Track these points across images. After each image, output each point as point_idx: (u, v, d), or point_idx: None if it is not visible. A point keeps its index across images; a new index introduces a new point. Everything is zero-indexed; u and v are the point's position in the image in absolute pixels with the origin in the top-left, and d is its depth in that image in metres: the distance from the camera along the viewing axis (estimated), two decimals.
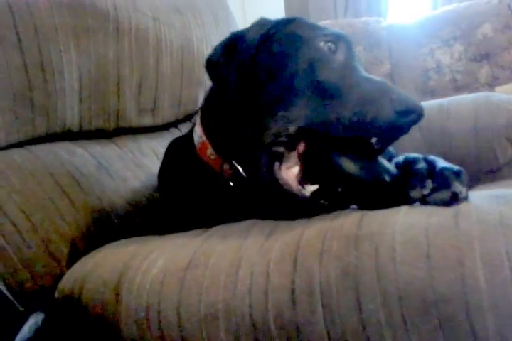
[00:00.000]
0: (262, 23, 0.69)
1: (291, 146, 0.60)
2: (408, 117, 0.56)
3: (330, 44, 0.63)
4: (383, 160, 0.64)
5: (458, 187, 0.52)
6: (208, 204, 0.71)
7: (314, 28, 0.67)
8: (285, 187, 0.59)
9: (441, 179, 0.53)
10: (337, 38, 0.64)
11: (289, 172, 0.60)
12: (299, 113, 0.59)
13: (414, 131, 1.22)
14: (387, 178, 0.58)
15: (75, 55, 0.77)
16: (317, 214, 0.59)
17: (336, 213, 0.57)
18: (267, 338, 0.50)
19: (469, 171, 0.56)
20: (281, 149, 0.60)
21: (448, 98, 1.29)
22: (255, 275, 0.52)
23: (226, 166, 0.68)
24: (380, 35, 2.43)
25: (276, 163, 0.60)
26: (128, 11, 0.86)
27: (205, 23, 1.10)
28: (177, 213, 0.76)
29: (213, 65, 0.68)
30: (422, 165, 0.58)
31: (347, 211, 0.57)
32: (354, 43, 0.67)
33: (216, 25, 1.15)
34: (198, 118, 0.73)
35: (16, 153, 0.72)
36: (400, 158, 0.64)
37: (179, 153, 0.77)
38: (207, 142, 0.69)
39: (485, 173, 1.02)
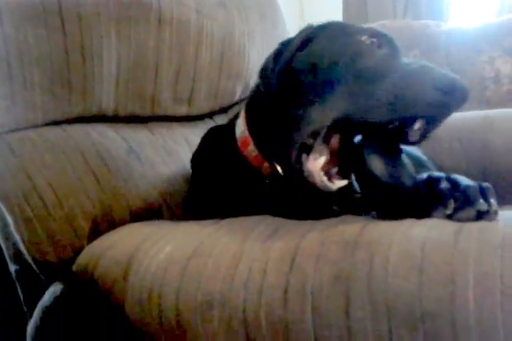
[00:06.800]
0: (305, 28, 0.70)
1: (323, 139, 0.60)
2: (453, 95, 0.55)
3: (373, 39, 0.63)
4: (408, 164, 0.61)
5: (482, 205, 0.51)
6: (239, 197, 0.72)
7: (354, 26, 0.67)
8: (309, 178, 0.59)
9: (464, 198, 0.52)
10: (380, 35, 0.64)
11: (315, 163, 0.59)
12: (336, 104, 0.59)
13: (454, 142, 1.19)
14: (408, 182, 0.57)
15: (115, 41, 0.79)
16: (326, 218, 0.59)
17: (342, 217, 0.58)
18: (257, 332, 0.52)
19: (510, 189, 0.55)
20: (310, 141, 0.60)
21: (496, 110, 1.24)
22: (253, 271, 0.53)
23: (266, 164, 0.69)
24: (439, 39, 2.34)
25: (304, 155, 0.60)
26: (171, 2, 0.88)
27: (250, 19, 1.10)
28: (204, 202, 0.78)
29: (264, 71, 0.70)
30: (444, 184, 0.56)
31: (354, 217, 0.57)
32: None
33: (261, 22, 1.15)
34: (242, 112, 0.74)
35: (51, 131, 0.75)
36: (424, 176, 0.62)
37: (217, 143, 0.78)
38: (249, 138, 0.70)
39: None
